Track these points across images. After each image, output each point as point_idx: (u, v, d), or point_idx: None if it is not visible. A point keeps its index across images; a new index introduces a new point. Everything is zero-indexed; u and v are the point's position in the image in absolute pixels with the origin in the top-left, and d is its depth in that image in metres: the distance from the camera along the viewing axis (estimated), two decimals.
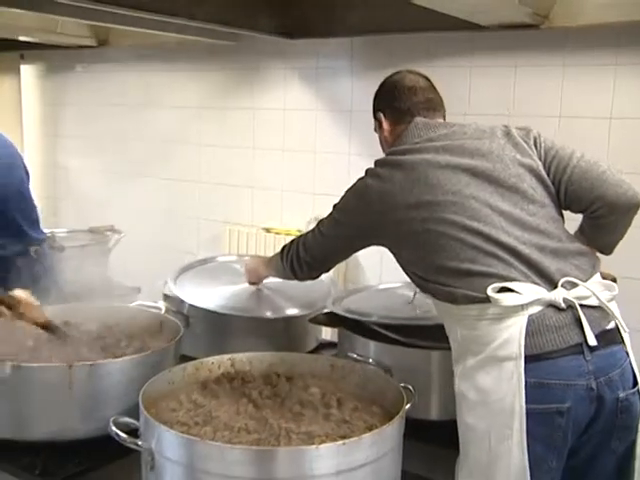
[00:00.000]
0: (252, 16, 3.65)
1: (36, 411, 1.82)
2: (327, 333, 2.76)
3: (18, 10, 3.32)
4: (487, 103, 3.43)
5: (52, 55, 5.18)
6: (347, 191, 1.95)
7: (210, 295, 2.42)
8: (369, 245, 1.98)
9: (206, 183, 4.60)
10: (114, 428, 1.56)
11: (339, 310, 2.28)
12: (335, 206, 1.99)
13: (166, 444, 1.47)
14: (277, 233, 4.21)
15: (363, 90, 3.85)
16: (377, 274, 3.68)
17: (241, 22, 3.62)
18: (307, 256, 2.04)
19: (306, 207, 4.16)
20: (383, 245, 1.92)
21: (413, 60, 3.62)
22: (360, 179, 1.93)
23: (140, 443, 1.53)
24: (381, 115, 2.06)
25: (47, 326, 2.06)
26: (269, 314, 2.41)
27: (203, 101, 4.58)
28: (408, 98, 2.01)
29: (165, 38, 4.06)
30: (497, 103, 3.40)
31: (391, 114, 2.04)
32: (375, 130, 2.12)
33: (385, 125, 2.05)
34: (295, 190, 4.25)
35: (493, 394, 1.67)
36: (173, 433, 1.47)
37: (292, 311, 2.45)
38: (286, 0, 3.65)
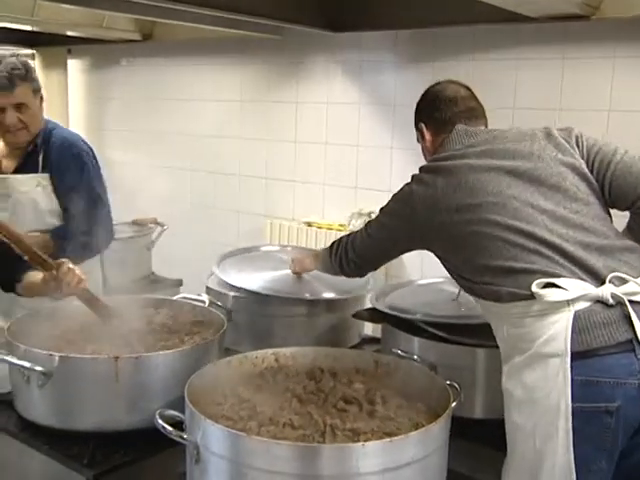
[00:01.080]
0: (296, 9, 3.66)
1: (83, 402, 1.86)
2: (369, 328, 2.76)
3: (67, 5, 3.38)
4: (534, 97, 3.38)
5: (98, 50, 5.28)
6: (393, 196, 2.02)
7: (253, 279, 2.49)
8: (415, 249, 2.03)
9: (248, 177, 4.63)
10: (160, 421, 1.57)
11: (382, 306, 2.30)
12: (382, 209, 2.05)
13: (212, 438, 1.48)
14: (318, 227, 4.21)
15: (407, 84, 3.85)
16: (418, 267, 3.66)
17: (285, 15, 3.64)
18: (354, 256, 2.12)
19: (348, 201, 4.16)
20: (428, 249, 1.96)
21: (458, 53, 3.62)
22: (406, 184, 1.99)
23: (185, 436, 1.54)
24: (423, 126, 2.10)
25: (85, 296, 2.11)
26: (309, 295, 2.47)
27: (246, 95, 4.61)
28: (449, 108, 2.04)
29: (209, 32, 4.10)
30: (544, 97, 3.35)
31: (433, 125, 2.08)
32: (418, 141, 2.17)
33: (427, 136, 2.09)
34: (337, 184, 4.25)
35: (539, 391, 1.66)
36: (219, 427, 1.48)
37: (330, 295, 2.50)
38: None
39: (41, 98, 2.73)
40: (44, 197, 2.67)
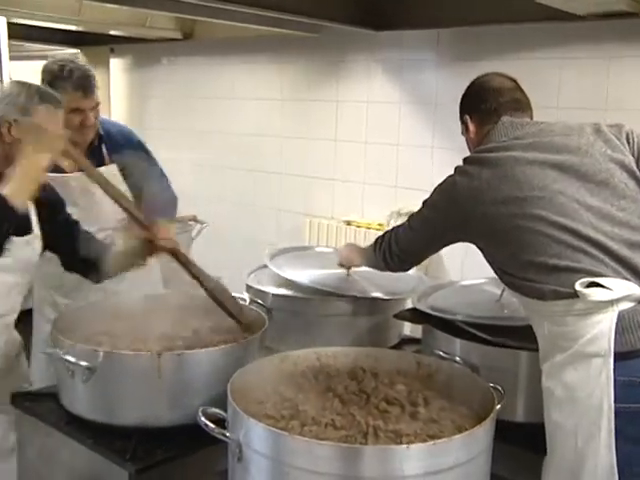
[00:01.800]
0: (335, 7, 3.70)
1: (126, 397, 1.89)
2: (408, 329, 2.75)
3: (111, 5, 3.44)
4: (579, 96, 3.35)
5: (140, 49, 5.38)
6: (436, 188, 2.00)
7: (302, 275, 2.53)
8: (458, 241, 2.01)
9: (288, 175, 4.67)
10: (203, 418, 1.58)
11: (424, 307, 2.29)
12: (425, 202, 2.04)
13: (254, 437, 1.48)
14: (358, 226, 4.23)
15: (448, 83, 3.84)
16: (459, 269, 3.67)
17: (324, 13, 3.69)
18: (398, 249, 2.13)
19: (388, 200, 4.16)
20: (471, 242, 1.95)
21: (501, 52, 3.59)
22: (449, 176, 1.97)
23: (228, 434, 1.54)
24: (467, 118, 2.08)
25: (175, 253, 2.24)
26: (355, 293, 2.47)
27: (286, 93, 4.65)
28: (494, 99, 2.02)
29: (248, 31, 4.16)
30: (589, 96, 3.31)
31: (478, 116, 2.05)
32: (462, 133, 2.14)
33: (471, 127, 2.07)
34: (377, 183, 4.27)
35: (580, 391, 1.65)
36: (262, 426, 1.48)
37: (377, 294, 2.50)
38: None
39: None
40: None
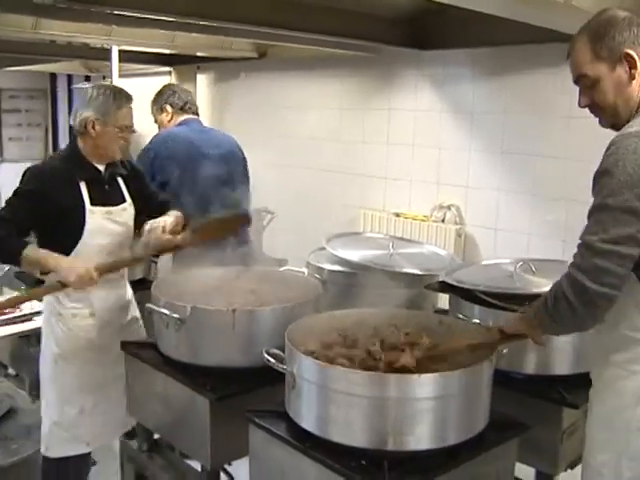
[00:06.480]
0: (388, 31, 3.85)
1: (208, 343, 2.10)
2: (441, 301, 2.91)
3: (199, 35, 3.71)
4: None
5: (221, 66, 5.59)
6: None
7: (351, 254, 2.68)
8: None
9: (346, 174, 4.79)
10: (266, 355, 1.81)
11: (450, 280, 2.41)
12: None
13: (304, 368, 1.69)
14: (405, 217, 4.37)
15: (483, 94, 3.95)
16: (492, 250, 3.80)
17: (379, 37, 3.84)
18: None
19: (431, 195, 4.29)
20: None
21: (520, 69, 3.72)
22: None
23: (285, 367, 1.76)
24: (633, 53, 1.64)
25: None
26: (395, 269, 2.60)
27: (345, 104, 4.79)
28: None
29: (313, 52, 4.34)
30: None
31: None
32: (623, 72, 1.66)
33: None
34: (421, 180, 4.37)
35: None
36: (311, 360, 1.71)
37: (413, 270, 2.63)
38: (418, 19, 3.82)
39: None
40: None
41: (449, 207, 4.18)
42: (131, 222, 2.58)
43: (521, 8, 2.57)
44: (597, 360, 1.78)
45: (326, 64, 4.81)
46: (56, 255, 2.32)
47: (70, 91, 7.95)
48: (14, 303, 2.82)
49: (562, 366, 2.17)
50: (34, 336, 3.16)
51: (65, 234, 2.41)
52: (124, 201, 2.57)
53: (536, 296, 2.01)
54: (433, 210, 4.26)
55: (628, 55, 1.64)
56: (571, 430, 2.09)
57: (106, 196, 2.50)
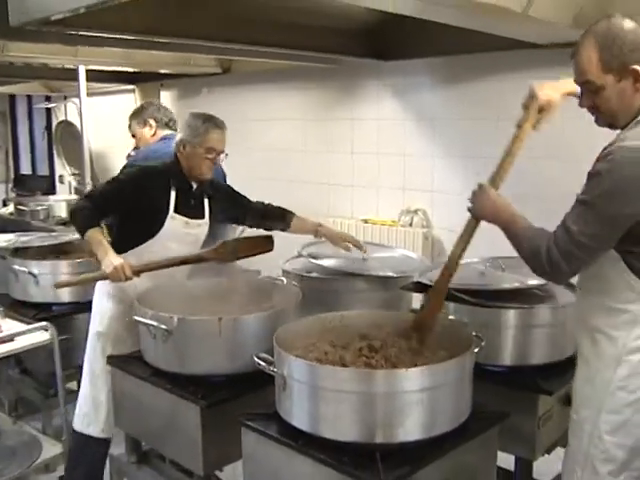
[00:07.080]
0: (349, 43, 3.92)
1: (195, 352, 2.13)
2: (416, 302, 2.98)
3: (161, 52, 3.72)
4: None
5: (185, 83, 5.61)
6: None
7: (326, 261, 2.76)
8: None
9: (311, 183, 4.85)
10: (257, 360, 1.85)
11: (424, 280, 2.48)
12: None
13: (294, 369, 1.75)
14: (373, 223, 4.45)
15: (442, 102, 4.06)
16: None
17: (340, 49, 3.91)
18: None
19: (398, 201, 4.37)
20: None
21: (479, 76, 3.82)
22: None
23: (275, 370, 1.80)
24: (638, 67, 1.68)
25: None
26: (370, 273, 2.67)
27: (309, 115, 4.85)
28: None
29: (276, 65, 4.40)
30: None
31: None
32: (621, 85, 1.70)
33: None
34: (388, 187, 4.45)
35: None
36: (300, 360, 1.77)
37: (388, 273, 2.70)
38: (377, 30, 3.90)
39: None
40: None
41: (416, 211, 4.28)
42: (202, 237, 2.75)
43: (478, 18, 2.67)
44: (580, 325, 1.88)
45: (289, 76, 4.86)
46: (107, 247, 2.46)
47: (30, 112, 7.86)
48: (74, 284, 2.99)
49: (536, 356, 2.26)
50: (13, 357, 3.14)
51: (142, 229, 2.62)
52: (202, 218, 2.74)
53: (508, 291, 2.13)
54: (400, 215, 4.35)
55: (635, 71, 1.68)
56: (547, 416, 2.18)
57: (189, 208, 2.68)
